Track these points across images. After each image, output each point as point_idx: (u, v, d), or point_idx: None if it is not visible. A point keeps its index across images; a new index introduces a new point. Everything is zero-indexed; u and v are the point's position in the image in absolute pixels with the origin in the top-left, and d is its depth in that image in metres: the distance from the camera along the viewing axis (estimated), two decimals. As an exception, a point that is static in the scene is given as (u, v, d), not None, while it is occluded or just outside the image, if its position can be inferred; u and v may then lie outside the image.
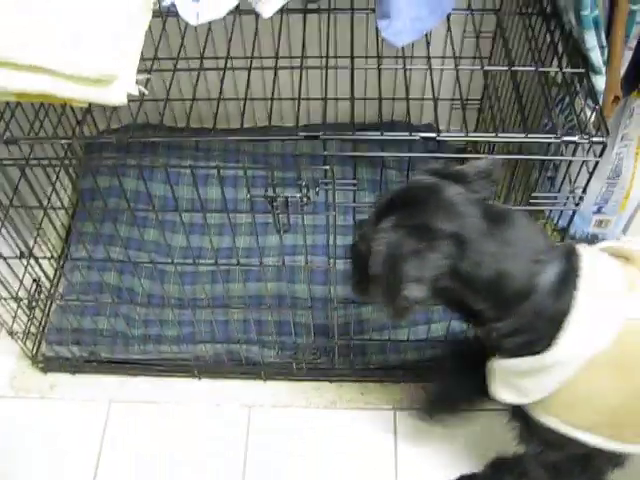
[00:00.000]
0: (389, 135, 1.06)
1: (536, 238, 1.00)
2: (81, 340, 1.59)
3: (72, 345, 1.58)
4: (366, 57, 1.48)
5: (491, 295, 0.98)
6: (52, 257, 1.60)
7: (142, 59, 1.05)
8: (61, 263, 1.72)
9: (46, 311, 1.67)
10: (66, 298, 1.60)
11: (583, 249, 1.02)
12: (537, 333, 0.99)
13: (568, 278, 0.98)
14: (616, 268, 1.02)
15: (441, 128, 1.08)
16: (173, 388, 1.62)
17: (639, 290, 0.99)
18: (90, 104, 1.04)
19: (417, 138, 1.05)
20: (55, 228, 1.62)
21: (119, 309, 1.55)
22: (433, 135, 1.05)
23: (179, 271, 1.56)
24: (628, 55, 1.21)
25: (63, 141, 1.24)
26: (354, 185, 1.18)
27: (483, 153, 1.75)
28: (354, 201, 1.24)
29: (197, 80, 1.16)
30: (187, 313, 1.60)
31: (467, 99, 1.73)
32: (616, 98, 1.20)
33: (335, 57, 1.44)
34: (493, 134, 1.06)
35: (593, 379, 0.99)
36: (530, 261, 0.97)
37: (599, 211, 1.58)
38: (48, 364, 1.63)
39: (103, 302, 1.52)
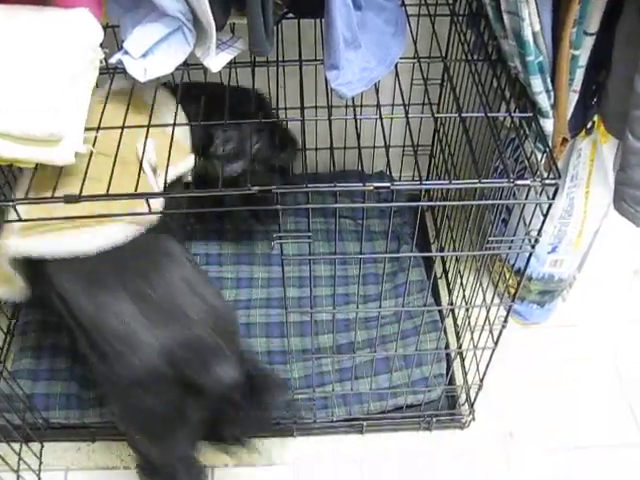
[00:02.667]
0: (342, 186, 1.05)
1: None
2: (33, 406, 1.53)
3: (23, 412, 1.52)
4: (316, 107, 1.49)
5: None
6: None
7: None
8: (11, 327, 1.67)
9: (-5, 378, 1.61)
10: (17, 363, 1.54)
11: None
12: None
13: None
14: None
15: (394, 175, 1.09)
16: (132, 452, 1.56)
17: None
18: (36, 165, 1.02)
19: (371, 188, 1.05)
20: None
21: (73, 372, 1.50)
22: (387, 185, 1.04)
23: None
24: (574, 98, 1.23)
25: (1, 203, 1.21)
26: (309, 237, 1.16)
27: (436, 200, 1.75)
28: (310, 253, 1.22)
29: (146, 137, 1.14)
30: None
31: (418, 145, 1.74)
32: (564, 140, 1.22)
33: (285, 109, 1.45)
34: (447, 181, 1.06)
35: None
36: None
37: (554, 251, 1.59)
38: (-2, 434, 1.56)
39: (56, 366, 1.47)
